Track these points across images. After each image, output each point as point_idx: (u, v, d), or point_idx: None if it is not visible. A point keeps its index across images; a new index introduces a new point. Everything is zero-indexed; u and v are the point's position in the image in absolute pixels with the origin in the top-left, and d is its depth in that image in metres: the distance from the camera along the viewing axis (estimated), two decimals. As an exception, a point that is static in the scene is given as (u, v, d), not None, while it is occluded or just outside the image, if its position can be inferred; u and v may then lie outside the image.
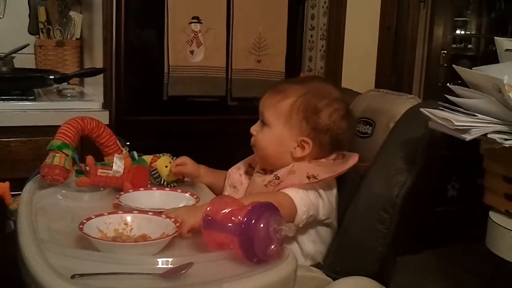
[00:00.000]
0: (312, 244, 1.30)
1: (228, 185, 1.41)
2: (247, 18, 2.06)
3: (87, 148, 1.50)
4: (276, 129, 1.29)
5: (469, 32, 3.22)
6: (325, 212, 1.26)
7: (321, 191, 1.25)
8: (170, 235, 0.95)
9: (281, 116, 1.28)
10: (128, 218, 1.03)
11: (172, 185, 1.35)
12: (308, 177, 1.22)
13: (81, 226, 0.96)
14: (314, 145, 1.28)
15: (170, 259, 0.90)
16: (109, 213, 1.04)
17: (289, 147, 1.29)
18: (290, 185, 1.22)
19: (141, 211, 1.06)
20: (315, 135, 1.28)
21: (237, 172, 1.43)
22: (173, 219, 1.01)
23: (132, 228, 1.02)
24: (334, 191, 1.30)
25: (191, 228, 1.00)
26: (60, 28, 2.32)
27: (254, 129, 1.34)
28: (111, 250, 0.92)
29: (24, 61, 2.24)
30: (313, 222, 1.27)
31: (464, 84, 1.12)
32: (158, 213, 1.05)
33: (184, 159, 1.36)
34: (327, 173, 1.24)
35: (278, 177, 1.27)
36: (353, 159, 1.28)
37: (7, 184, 1.25)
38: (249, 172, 1.41)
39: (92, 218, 1.00)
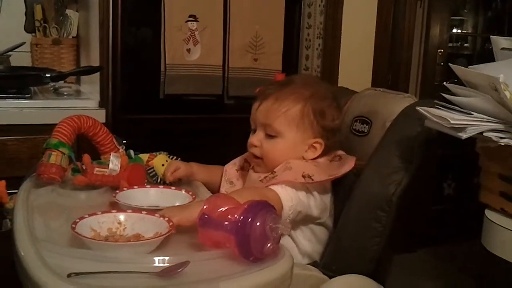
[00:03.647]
0: (308, 242, 1.29)
1: (225, 181, 1.41)
2: (244, 16, 2.06)
3: (84, 146, 1.49)
4: (290, 137, 1.28)
5: (465, 31, 3.23)
6: (318, 211, 1.26)
7: (314, 192, 1.25)
8: (163, 235, 0.95)
9: (293, 123, 1.28)
10: (122, 217, 1.03)
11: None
12: (304, 177, 1.22)
13: (73, 225, 0.95)
14: (325, 144, 1.29)
15: (166, 258, 0.90)
16: (102, 212, 1.03)
17: (301, 151, 1.29)
18: (284, 181, 1.22)
19: (135, 210, 1.06)
20: (324, 134, 1.29)
21: (233, 168, 1.43)
22: (167, 218, 1.00)
23: (125, 227, 1.02)
24: (329, 192, 1.30)
25: (176, 225, 0.99)
26: (56, 26, 2.32)
27: (257, 141, 1.30)
28: (103, 249, 0.92)
29: (20, 59, 2.23)
30: (306, 220, 1.27)
31: (460, 82, 1.12)
32: (152, 212, 1.05)
33: (175, 164, 1.35)
34: (322, 176, 1.24)
35: (274, 171, 1.27)
36: (350, 163, 1.28)
37: (3, 182, 1.24)
38: (244, 168, 1.41)
39: (85, 217, 0.99)
